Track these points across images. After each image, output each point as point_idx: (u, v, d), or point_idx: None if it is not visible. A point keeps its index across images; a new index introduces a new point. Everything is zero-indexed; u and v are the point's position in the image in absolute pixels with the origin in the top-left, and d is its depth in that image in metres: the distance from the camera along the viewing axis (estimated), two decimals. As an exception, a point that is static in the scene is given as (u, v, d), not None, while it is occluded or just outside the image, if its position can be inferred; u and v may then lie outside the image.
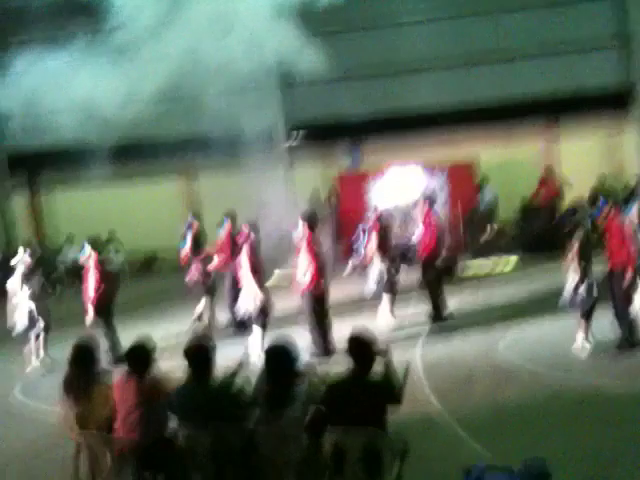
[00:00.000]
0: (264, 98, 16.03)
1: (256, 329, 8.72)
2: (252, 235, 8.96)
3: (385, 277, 9.87)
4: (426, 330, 9.38)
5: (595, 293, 7.67)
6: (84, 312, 9.18)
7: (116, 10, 12.83)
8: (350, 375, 4.67)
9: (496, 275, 12.81)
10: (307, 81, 15.85)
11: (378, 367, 4.74)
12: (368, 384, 4.65)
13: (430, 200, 9.91)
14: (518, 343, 8.45)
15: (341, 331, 8.64)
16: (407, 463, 4.52)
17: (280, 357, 4.79)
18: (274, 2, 13.19)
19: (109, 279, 9.62)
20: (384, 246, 9.97)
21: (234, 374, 5.53)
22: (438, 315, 9.62)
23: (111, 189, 18.94)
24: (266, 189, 14.77)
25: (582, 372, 7.24)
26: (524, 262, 13.31)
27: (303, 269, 8.47)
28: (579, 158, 16.47)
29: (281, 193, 16.16)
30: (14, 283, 9.47)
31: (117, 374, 5.20)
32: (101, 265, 9.38)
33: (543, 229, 14.30)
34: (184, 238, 10.97)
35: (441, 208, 14.52)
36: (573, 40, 15.13)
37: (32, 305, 9.32)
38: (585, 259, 7.69)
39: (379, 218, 10.27)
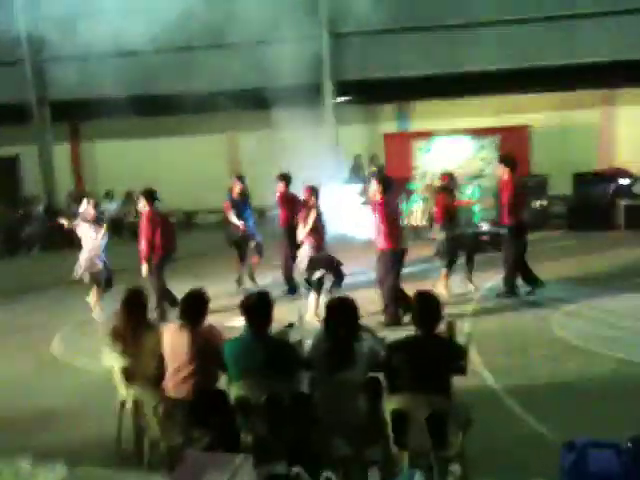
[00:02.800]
0: (312, 49, 15.53)
1: (312, 291, 8.49)
2: (313, 198, 8.62)
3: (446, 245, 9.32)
4: (476, 301, 9.01)
5: None
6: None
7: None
8: (418, 334, 4.43)
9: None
10: (356, 32, 15.33)
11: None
12: (437, 342, 4.42)
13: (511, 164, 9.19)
14: (572, 318, 8.05)
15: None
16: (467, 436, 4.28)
17: (342, 311, 4.52)
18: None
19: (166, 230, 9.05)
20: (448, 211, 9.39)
21: (289, 328, 5.33)
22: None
23: (151, 142, 18.89)
24: (310, 147, 14.38)
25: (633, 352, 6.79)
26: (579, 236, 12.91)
27: (377, 229, 8.10)
28: (638, 126, 15.82)
29: (326, 151, 15.80)
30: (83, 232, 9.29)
31: (168, 324, 4.92)
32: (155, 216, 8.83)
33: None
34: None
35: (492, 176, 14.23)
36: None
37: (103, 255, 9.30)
38: None
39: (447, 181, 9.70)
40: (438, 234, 9.35)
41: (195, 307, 4.67)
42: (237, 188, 10.38)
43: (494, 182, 14.08)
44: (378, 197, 8.07)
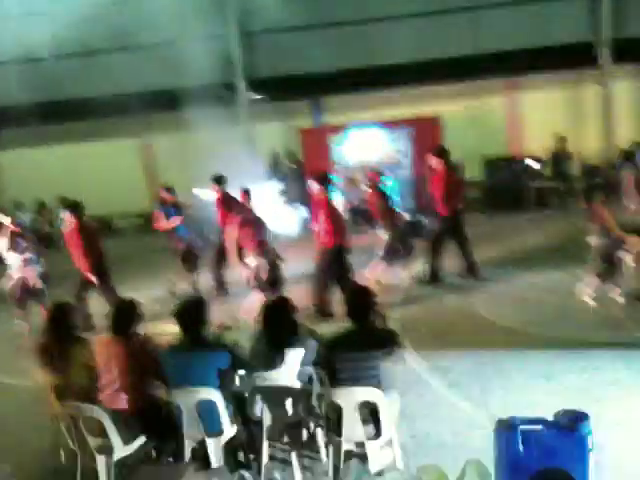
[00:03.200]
0: (222, 48, 15.51)
1: (255, 293, 8.37)
2: (248, 202, 8.66)
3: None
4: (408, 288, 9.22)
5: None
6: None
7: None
8: (353, 327, 4.50)
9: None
10: (268, 30, 15.42)
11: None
12: (371, 333, 4.51)
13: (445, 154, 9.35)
14: (497, 299, 8.37)
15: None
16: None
17: (280, 311, 4.57)
18: None
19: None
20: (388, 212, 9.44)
21: (226, 330, 5.33)
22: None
23: (63, 149, 18.30)
24: (226, 146, 14.32)
25: (559, 327, 7.14)
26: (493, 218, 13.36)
27: (321, 226, 8.19)
28: (543, 111, 16.53)
29: (242, 150, 15.77)
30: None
31: (99, 336, 4.81)
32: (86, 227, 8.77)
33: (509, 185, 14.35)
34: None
35: (407, 167, 14.64)
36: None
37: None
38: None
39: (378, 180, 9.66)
40: (383, 234, 9.35)
41: (127, 317, 4.59)
42: (169, 199, 10.26)
43: (410, 173, 14.56)
44: (322, 195, 8.19)
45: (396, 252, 9.37)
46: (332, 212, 8.17)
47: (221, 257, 9.57)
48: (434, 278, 9.34)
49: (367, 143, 14.58)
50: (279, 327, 4.52)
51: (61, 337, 4.83)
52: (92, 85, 15.38)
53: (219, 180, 10.02)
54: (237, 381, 4.77)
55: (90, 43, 14.66)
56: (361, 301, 4.54)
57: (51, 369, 4.75)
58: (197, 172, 11.97)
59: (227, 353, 4.51)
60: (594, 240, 7.62)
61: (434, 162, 9.33)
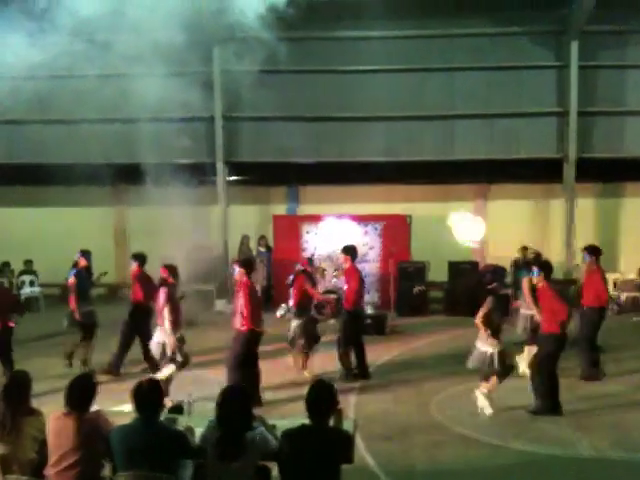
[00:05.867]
0: (204, 130, 15.96)
1: (166, 369, 8.26)
2: (170, 278, 8.61)
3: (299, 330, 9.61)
4: (355, 384, 9.24)
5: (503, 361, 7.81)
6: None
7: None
8: (310, 424, 4.46)
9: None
10: (250, 117, 15.97)
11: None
12: (327, 432, 4.47)
13: (351, 252, 9.71)
14: (450, 402, 8.43)
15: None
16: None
17: (236, 400, 4.55)
18: (225, 28, 13.15)
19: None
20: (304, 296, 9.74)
21: (179, 414, 5.28)
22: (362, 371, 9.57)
23: (31, 212, 18.18)
24: (199, 224, 14.49)
25: (507, 435, 7.22)
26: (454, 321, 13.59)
27: (238, 311, 8.24)
28: (509, 219, 17.06)
29: (215, 229, 16.00)
30: None
31: (52, 410, 4.75)
32: None
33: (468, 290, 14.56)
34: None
35: (374, 261, 14.95)
36: (515, 106, 15.83)
37: None
38: (492, 324, 7.80)
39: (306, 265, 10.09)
40: (293, 319, 9.62)
41: (82, 393, 4.55)
42: (82, 263, 10.35)
43: (375, 266, 14.88)
44: (243, 279, 8.25)
45: (311, 340, 9.57)
46: (251, 296, 8.17)
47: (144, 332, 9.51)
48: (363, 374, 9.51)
49: (337, 234, 14.86)
50: (236, 416, 4.48)
51: (14, 407, 4.76)
52: (68, 152, 15.55)
53: (138, 257, 10.15)
54: (189, 470, 4.70)
55: (73, 112, 14.88)
56: (322, 398, 4.49)
57: (0, 438, 4.67)
58: (163, 245, 12.07)
59: (181, 440, 4.49)
60: (480, 344, 7.88)
61: (342, 259, 9.67)
